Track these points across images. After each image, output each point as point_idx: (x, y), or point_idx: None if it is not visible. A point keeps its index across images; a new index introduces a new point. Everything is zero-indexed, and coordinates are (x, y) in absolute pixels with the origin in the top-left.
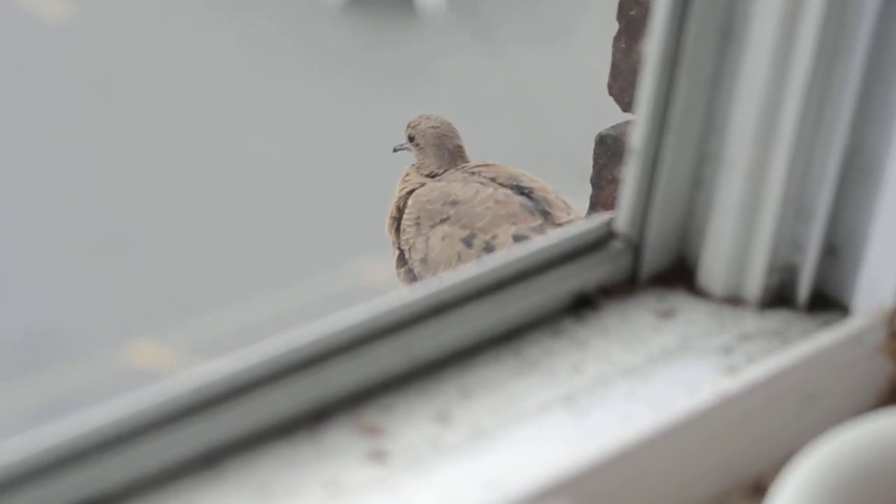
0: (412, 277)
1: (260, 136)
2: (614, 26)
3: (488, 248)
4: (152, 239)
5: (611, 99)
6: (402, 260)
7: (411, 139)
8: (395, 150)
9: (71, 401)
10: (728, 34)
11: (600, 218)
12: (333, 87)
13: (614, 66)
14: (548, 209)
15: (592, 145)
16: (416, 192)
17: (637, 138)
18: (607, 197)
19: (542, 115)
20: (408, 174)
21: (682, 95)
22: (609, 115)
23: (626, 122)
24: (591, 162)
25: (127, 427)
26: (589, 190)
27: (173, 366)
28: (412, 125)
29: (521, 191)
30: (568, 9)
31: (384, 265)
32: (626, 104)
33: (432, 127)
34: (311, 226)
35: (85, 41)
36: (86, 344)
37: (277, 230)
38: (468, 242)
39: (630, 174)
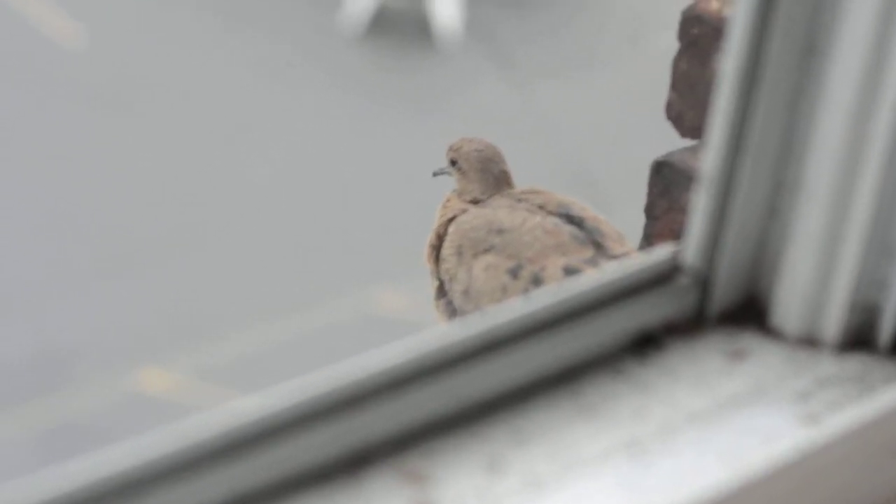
0: (452, 310)
1: (275, 161)
2: (636, 53)
3: (536, 281)
4: (161, 262)
5: (636, 126)
6: (441, 291)
7: (453, 163)
8: (434, 175)
9: (78, 426)
10: (812, 49)
11: (665, 250)
12: (351, 114)
13: (674, 87)
14: (600, 240)
15: (620, 174)
16: (458, 218)
17: (709, 163)
18: (662, 228)
19: (566, 143)
20: (449, 200)
21: (759, 117)
22: (635, 144)
23: (684, 149)
24: (618, 191)
25: (147, 472)
26: (616, 218)
27: (181, 391)
28: (454, 148)
29: (572, 220)
30: (587, 35)
31: (396, 293)
32: (686, 129)
33: (476, 150)
34: (323, 251)
35: (101, 63)
36: (93, 368)
37: (289, 255)
38: (514, 273)
39: (700, 202)
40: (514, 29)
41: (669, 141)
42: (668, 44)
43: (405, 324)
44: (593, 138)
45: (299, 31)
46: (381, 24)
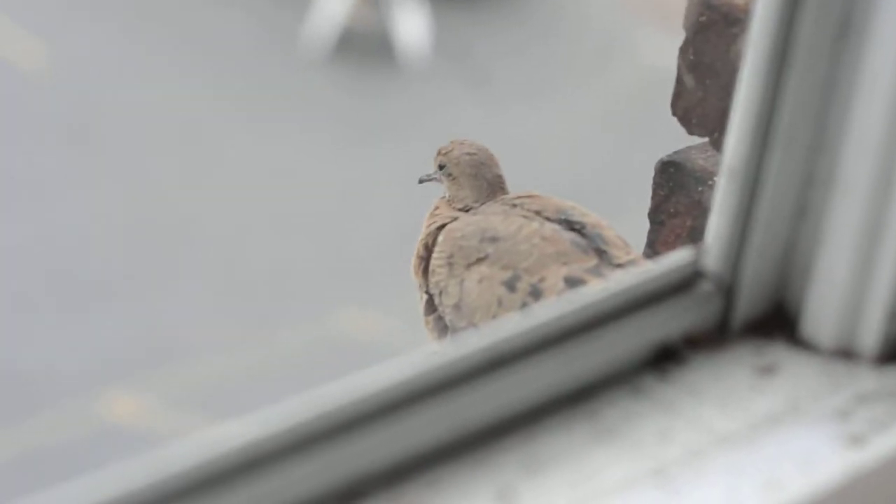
0: (443, 327)
1: (240, 187)
2: (612, 70)
3: (535, 293)
4: (128, 289)
5: (616, 146)
6: (430, 306)
7: (442, 168)
8: (421, 181)
9: (46, 453)
10: (847, 28)
11: (684, 254)
12: (318, 139)
13: (679, 81)
14: (604, 247)
15: (602, 196)
16: (449, 226)
17: (733, 156)
18: (668, 234)
19: (543, 165)
20: (437, 207)
21: (789, 103)
22: (616, 163)
23: (692, 148)
24: (600, 214)
25: None
26: None
27: (149, 418)
28: (443, 152)
29: (572, 226)
30: (561, 52)
31: (364, 317)
32: (694, 126)
33: (468, 154)
34: (291, 276)
35: (62, 88)
36: (59, 395)
37: (257, 281)
38: (511, 285)
39: (723, 200)
40: (484, 48)
41: (653, 159)
42: (646, 60)
43: (376, 346)
44: (571, 160)
45: (263, 57)
46: (346, 47)
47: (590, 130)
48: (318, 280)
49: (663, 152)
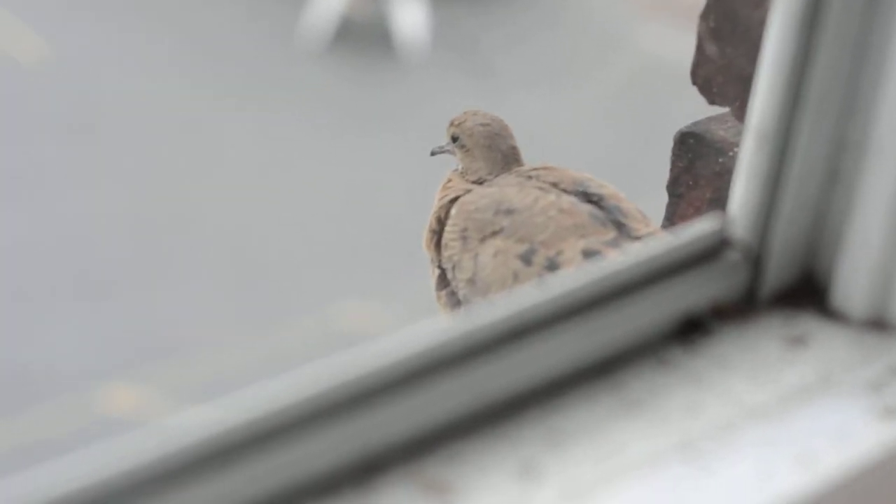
0: (456, 302)
1: (240, 180)
2: (616, 58)
3: (551, 266)
4: (128, 284)
5: (620, 137)
6: (443, 280)
7: (455, 139)
8: (433, 154)
9: (44, 448)
10: None
11: (710, 222)
12: (316, 131)
13: (699, 49)
14: (622, 220)
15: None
16: (462, 199)
17: (761, 120)
18: (687, 207)
19: (546, 157)
20: (450, 180)
21: (820, 64)
22: (621, 155)
23: (712, 118)
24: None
25: (127, 484)
26: None
27: (148, 412)
28: (456, 123)
29: (589, 198)
30: (564, 41)
31: (366, 309)
32: (714, 95)
33: (482, 124)
34: (292, 269)
35: (62, 84)
36: (59, 390)
37: (257, 273)
38: (527, 259)
39: (750, 166)
40: (485, 38)
41: (655, 146)
42: (647, 49)
43: (378, 339)
44: (573, 148)
45: (262, 48)
46: (345, 38)
47: (591, 119)
48: (319, 273)
49: (666, 138)
